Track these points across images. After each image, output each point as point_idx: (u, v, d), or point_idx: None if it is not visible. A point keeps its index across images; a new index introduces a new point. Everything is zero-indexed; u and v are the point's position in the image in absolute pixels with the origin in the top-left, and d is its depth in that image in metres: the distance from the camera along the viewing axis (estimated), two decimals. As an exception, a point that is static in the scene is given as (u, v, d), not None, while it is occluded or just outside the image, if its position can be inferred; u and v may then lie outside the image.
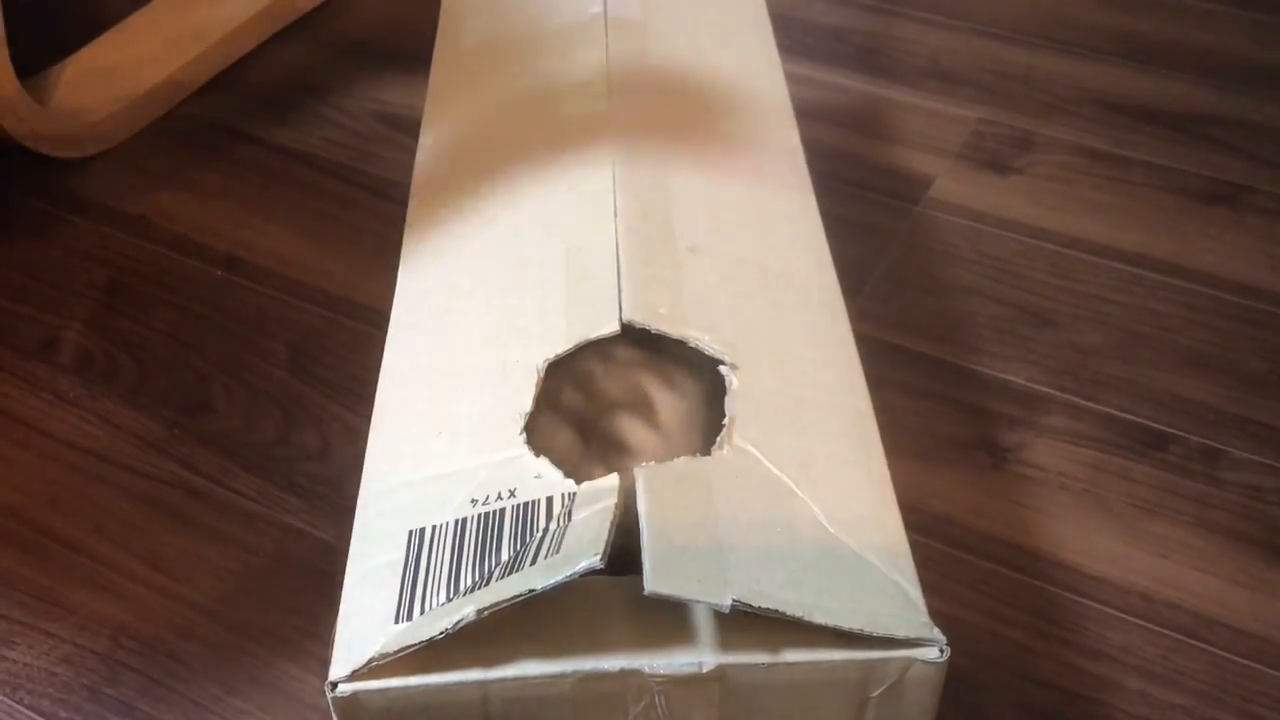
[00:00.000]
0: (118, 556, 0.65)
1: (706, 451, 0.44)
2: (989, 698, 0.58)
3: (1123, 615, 0.62)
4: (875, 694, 0.41)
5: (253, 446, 0.71)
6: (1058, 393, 0.73)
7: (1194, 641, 0.60)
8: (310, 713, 0.58)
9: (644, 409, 0.49)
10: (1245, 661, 0.60)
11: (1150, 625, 0.61)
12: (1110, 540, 0.65)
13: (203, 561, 0.65)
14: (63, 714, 0.59)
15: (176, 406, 0.74)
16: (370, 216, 0.87)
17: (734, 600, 0.38)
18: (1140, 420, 0.71)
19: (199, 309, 0.81)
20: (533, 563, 0.40)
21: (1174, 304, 0.79)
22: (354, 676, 0.39)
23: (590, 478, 0.43)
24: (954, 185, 0.88)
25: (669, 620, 0.40)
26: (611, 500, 0.41)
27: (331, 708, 0.39)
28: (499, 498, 0.43)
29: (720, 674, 0.40)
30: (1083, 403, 0.72)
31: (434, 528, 0.43)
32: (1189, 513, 0.66)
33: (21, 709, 0.59)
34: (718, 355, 0.48)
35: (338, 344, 0.77)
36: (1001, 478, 0.68)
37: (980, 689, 0.59)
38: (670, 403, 0.49)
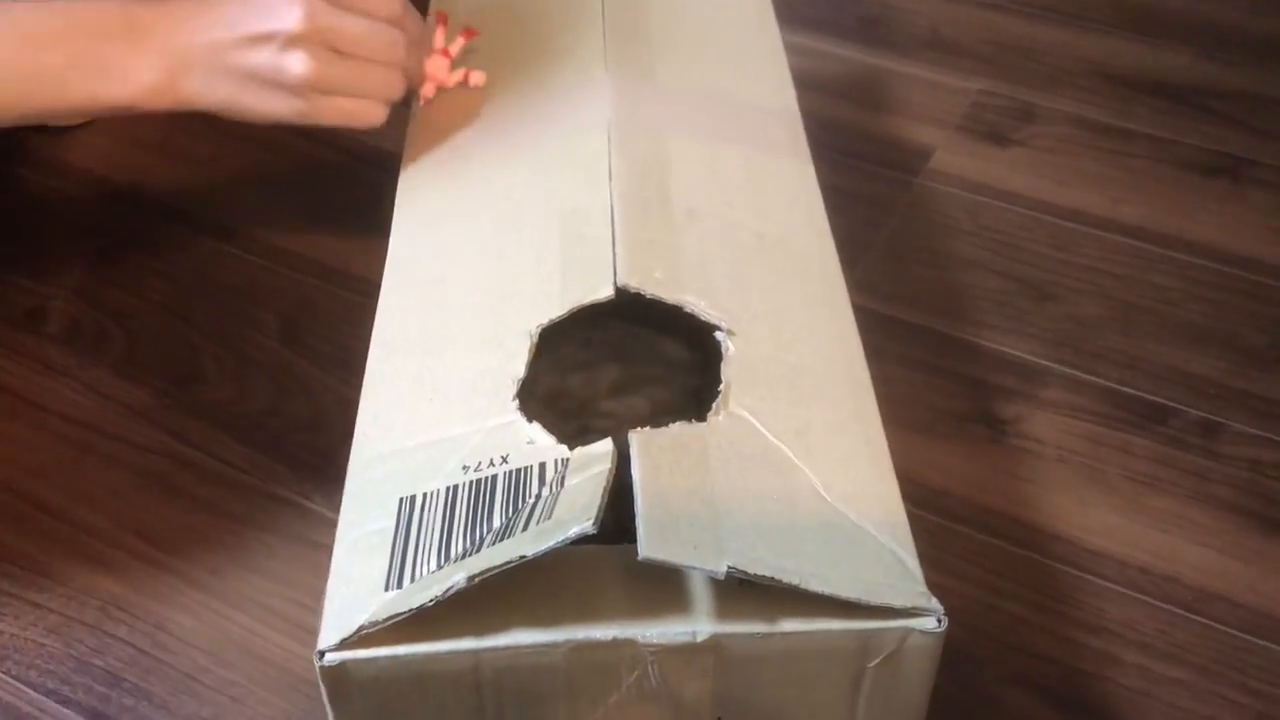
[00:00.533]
0: (106, 527, 0.65)
1: (702, 418, 0.43)
2: (985, 671, 0.58)
3: (1121, 589, 0.61)
4: (872, 664, 0.40)
5: (244, 417, 0.71)
6: (1057, 365, 0.72)
7: (1193, 615, 0.60)
8: (299, 683, 0.58)
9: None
10: (1244, 635, 0.59)
11: (1149, 599, 0.61)
12: (1109, 514, 0.64)
13: (192, 532, 0.64)
14: (49, 685, 0.58)
15: (167, 376, 0.73)
16: (364, 187, 0.86)
17: (729, 567, 0.37)
18: (1140, 394, 0.71)
19: (189, 279, 0.80)
20: (524, 529, 0.39)
21: (1175, 277, 0.78)
22: (343, 645, 0.38)
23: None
24: (953, 157, 0.87)
25: (663, 589, 0.40)
26: (605, 466, 0.40)
27: (320, 677, 0.38)
28: (491, 464, 0.43)
29: (715, 644, 0.39)
30: (1082, 376, 0.72)
31: (425, 495, 0.42)
32: (1188, 486, 0.66)
33: (8, 679, 0.58)
34: (714, 321, 0.47)
35: (330, 315, 0.77)
36: (999, 450, 0.67)
37: (977, 662, 0.58)
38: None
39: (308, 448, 0.69)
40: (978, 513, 0.64)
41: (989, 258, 0.79)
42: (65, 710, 0.57)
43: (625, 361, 0.50)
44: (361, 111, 0.61)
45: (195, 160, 0.89)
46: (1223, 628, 0.59)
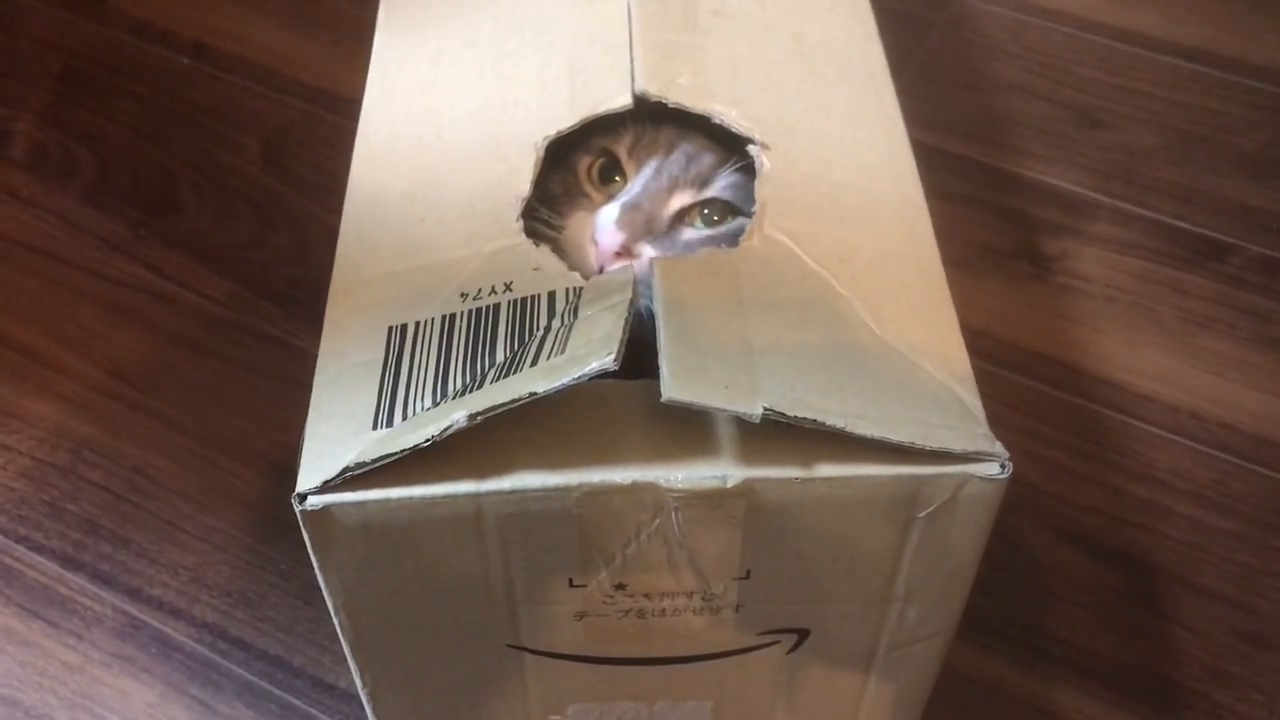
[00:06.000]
0: (78, 365, 0.61)
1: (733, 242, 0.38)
2: (1026, 523, 0.55)
3: (1172, 436, 0.58)
4: (923, 514, 0.36)
5: (224, 249, 0.66)
6: (1106, 198, 0.68)
7: (1249, 464, 0.57)
8: (288, 531, 0.54)
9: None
10: (1303, 486, 0.56)
11: (1202, 447, 0.57)
12: (1160, 356, 0.61)
13: (171, 371, 0.60)
14: (21, 531, 0.54)
15: (141, 205, 0.68)
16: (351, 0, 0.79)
17: (765, 409, 0.33)
18: (1195, 228, 0.66)
19: (164, 100, 0.74)
20: (533, 364, 0.34)
21: (1236, 103, 0.73)
22: (325, 488, 0.34)
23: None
24: (996, -29, 0.80)
25: (688, 431, 0.35)
26: (625, 295, 0.36)
27: (301, 523, 0.34)
28: (493, 292, 0.38)
29: (746, 489, 0.35)
30: (1133, 209, 0.67)
31: (418, 324, 0.38)
32: (1246, 327, 0.62)
33: (-22, 525, 0.55)
34: (746, 133, 0.42)
35: (316, 139, 0.71)
36: (1044, 289, 0.64)
37: (1018, 513, 0.54)
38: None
39: (294, 281, 0.64)
40: (1019, 355, 0.61)
41: (1033, 81, 0.74)
42: (37, 557, 0.53)
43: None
44: None
45: (166, -30, 0.82)
46: (1281, 478, 0.56)
